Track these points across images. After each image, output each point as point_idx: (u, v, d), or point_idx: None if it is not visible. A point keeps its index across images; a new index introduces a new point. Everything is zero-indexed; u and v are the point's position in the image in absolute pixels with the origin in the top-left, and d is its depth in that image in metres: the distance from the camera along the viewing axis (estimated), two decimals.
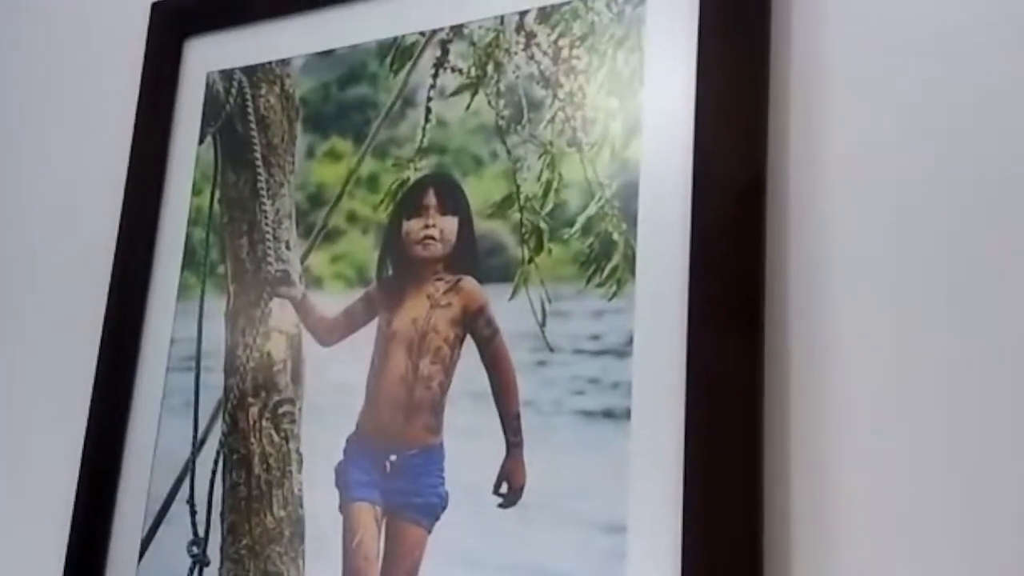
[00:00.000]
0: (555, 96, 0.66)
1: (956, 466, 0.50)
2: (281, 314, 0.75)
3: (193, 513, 0.75)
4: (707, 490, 0.54)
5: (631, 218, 0.61)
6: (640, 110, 0.62)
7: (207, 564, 0.73)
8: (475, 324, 0.65)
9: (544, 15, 0.67)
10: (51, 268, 0.93)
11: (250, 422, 0.74)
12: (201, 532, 0.74)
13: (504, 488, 0.61)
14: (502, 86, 0.68)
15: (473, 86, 0.70)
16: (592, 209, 0.62)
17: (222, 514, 0.73)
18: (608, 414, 0.58)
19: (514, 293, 0.64)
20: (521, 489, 0.60)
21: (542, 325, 0.62)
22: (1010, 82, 0.53)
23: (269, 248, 0.77)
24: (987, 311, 0.51)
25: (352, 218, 0.73)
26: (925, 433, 0.51)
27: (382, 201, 0.72)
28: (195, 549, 0.74)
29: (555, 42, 0.67)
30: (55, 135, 0.97)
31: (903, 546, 0.51)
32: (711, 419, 0.54)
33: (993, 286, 0.51)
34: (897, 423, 0.52)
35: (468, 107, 0.69)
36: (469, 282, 0.66)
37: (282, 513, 0.70)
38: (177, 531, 0.75)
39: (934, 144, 0.54)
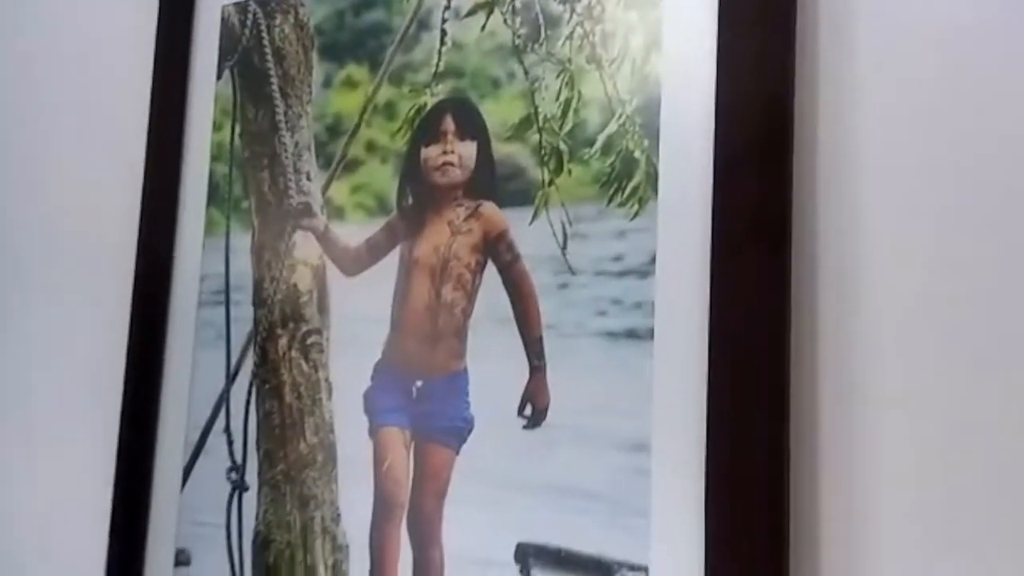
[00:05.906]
0: (573, 11, 0.63)
1: (988, 389, 0.49)
2: (305, 246, 0.75)
3: (230, 442, 0.77)
4: (731, 407, 0.53)
5: (653, 135, 0.59)
6: (660, 23, 0.60)
7: (246, 489, 0.75)
8: (496, 249, 0.65)
9: None
10: (79, 213, 0.94)
11: (280, 353, 0.75)
12: (239, 460, 0.76)
13: (528, 410, 0.61)
14: (518, 3, 0.66)
15: (488, 5, 0.68)
16: (612, 127, 0.61)
17: (257, 442, 0.75)
18: (631, 334, 0.58)
19: (534, 216, 0.63)
20: (545, 410, 0.61)
21: (563, 248, 0.62)
22: None
23: (290, 181, 0.77)
24: None
25: (371, 147, 0.73)
26: (959, 352, 0.50)
27: (400, 128, 0.71)
28: (234, 475, 0.76)
29: None
30: (72, 79, 0.97)
31: (935, 459, 0.50)
32: (735, 337, 0.54)
33: None
34: (930, 341, 0.51)
35: (483, 27, 0.67)
36: (489, 207, 0.65)
37: (314, 440, 0.72)
38: (216, 459, 0.77)
39: (971, 51, 0.51)
